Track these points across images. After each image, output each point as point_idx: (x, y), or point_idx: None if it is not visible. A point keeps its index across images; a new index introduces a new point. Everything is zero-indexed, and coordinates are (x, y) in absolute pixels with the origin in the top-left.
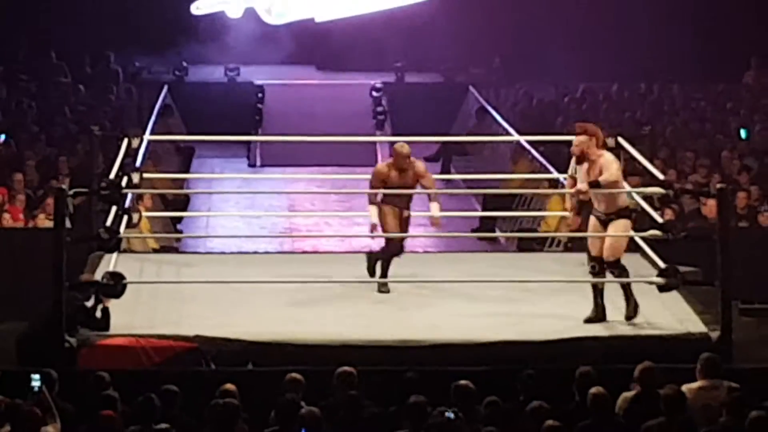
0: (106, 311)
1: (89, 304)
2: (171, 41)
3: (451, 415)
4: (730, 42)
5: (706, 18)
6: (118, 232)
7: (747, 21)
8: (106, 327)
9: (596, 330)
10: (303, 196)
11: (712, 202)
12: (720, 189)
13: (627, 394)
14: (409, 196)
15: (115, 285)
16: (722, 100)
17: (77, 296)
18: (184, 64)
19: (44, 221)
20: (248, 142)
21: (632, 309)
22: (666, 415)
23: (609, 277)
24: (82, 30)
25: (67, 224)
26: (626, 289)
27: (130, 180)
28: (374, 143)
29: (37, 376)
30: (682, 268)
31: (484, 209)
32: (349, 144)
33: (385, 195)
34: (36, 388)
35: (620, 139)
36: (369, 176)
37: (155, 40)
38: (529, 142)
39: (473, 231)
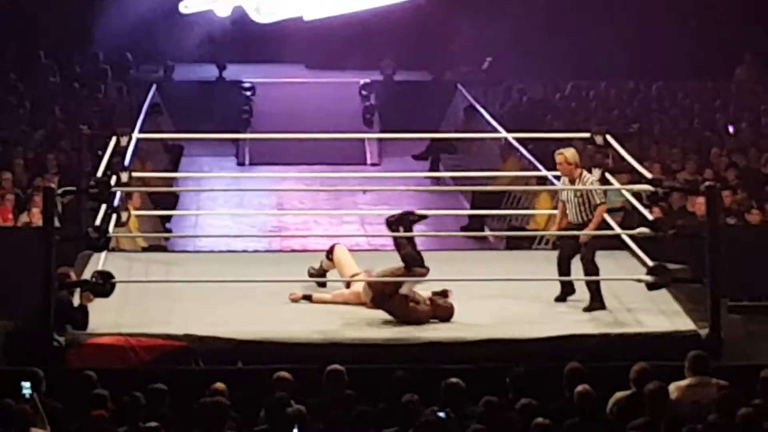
0: (84, 309)
1: (75, 302)
2: (159, 40)
3: (443, 415)
4: (719, 40)
5: (695, 16)
6: (107, 231)
7: (737, 19)
8: (85, 325)
9: (585, 328)
10: (292, 194)
11: (700, 200)
12: (708, 186)
13: (620, 394)
14: None
15: (104, 284)
16: (710, 97)
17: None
18: (171, 63)
19: (33, 219)
20: (237, 141)
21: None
22: (650, 411)
23: None
24: (70, 29)
25: (56, 223)
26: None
27: (118, 179)
28: (363, 141)
29: (27, 384)
30: (670, 266)
31: (473, 207)
32: (338, 142)
33: None
34: (27, 395)
35: (608, 137)
36: (357, 174)
37: (144, 39)
38: (518, 140)
39: (462, 229)
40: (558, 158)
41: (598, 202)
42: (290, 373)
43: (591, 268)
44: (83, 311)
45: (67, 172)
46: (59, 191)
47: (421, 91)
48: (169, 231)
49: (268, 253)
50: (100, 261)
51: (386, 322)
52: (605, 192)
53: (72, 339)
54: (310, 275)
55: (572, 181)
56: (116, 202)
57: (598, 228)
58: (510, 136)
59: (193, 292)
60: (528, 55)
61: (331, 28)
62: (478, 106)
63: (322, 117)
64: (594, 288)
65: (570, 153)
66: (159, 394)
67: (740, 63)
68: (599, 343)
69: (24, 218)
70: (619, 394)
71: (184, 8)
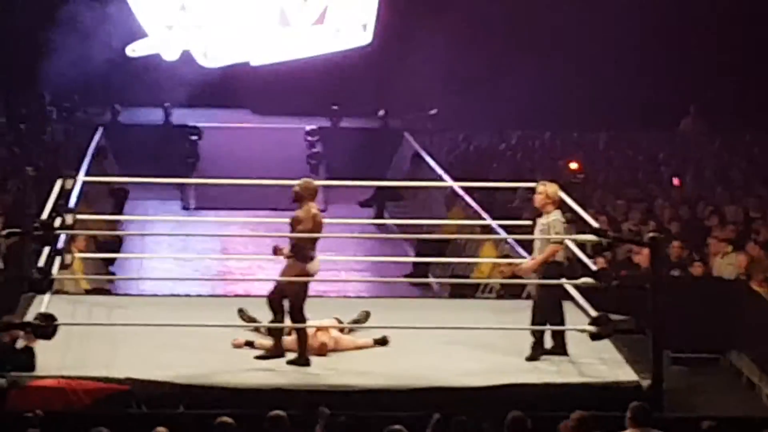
0: (30, 351)
1: (19, 344)
2: (106, 83)
3: None
4: (664, 91)
5: (641, 68)
6: (51, 273)
7: (682, 71)
8: (32, 367)
9: (528, 377)
10: (236, 239)
11: (644, 251)
12: (653, 237)
13: None
14: None
15: (47, 326)
16: (655, 148)
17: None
18: (117, 106)
19: None
20: (182, 185)
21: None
22: None
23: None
24: (17, 69)
25: (0, 265)
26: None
27: (63, 221)
28: None
29: None
30: (613, 317)
31: (417, 255)
32: (284, 188)
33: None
34: None
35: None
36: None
37: (91, 81)
38: (463, 189)
39: (406, 276)
40: (539, 188)
41: (552, 241)
42: (232, 419)
43: (542, 317)
44: (29, 353)
45: (12, 214)
46: (4, 233)
47: (367, 137)
48: (113, 274)
49: (212, 298)
50: (43, 303)
51: (328, 369)
52: (563, 234)
53: (13, 380)
54: (242, 319)
55: (541, 215)
56: (60, 245)
57: (546, 276)
58: (456, 185)
59: (136, 335)
60: (474, 103)
61: (278, 74)
62: (424, 154)
63: (267, 162)
64: (538, 336)
65: (552, 189)
66: None
67: (685, 115)
68: (542, 392)
69: None
70: None
71: (131, 51)
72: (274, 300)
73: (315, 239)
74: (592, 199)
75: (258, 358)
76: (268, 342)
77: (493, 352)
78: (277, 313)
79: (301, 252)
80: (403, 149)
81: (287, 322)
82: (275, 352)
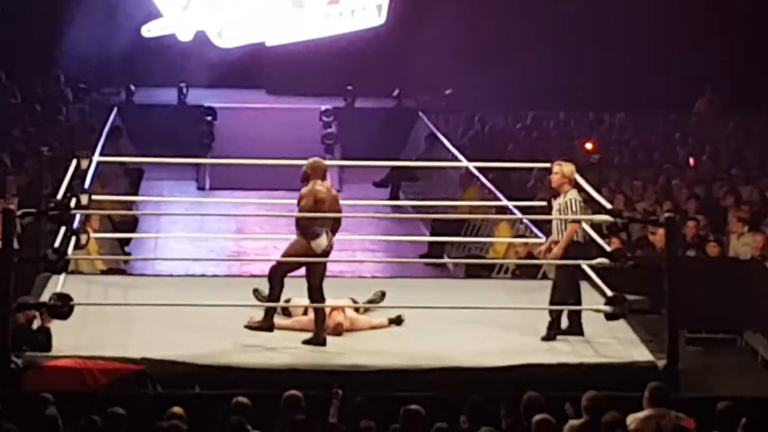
0: (47, 331)
1: (35, 325)
2: (121, 63)
3: None
4: (680, 72)
5: (656, 49)
6: (66, 254)
7: (697, 52)
8: (48, 347)
9: (544, 357)
10: (251, 219)
11: (660, 231)
12: (668, 218)
13: (574, 422)
14: None
15: (63, 306)
16: (671, 129)
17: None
18: (132, 86)
19: None
20: (197, 165)
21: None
22: None
23: None
24: (32, 51)
25: (15, 245)
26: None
27: (78, 201)
28: None
29: None
30: (629, 297)
31: (432, 235)
32: (298, 168)
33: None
34: None
35: None
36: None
37: (106, 62)
38: (478, 169)
39: (421, 257)
40: (555, 168)
41: (571, 219)
42: (248, 399)
43: (561, 296)
44: (45, 333)
45: (28, 194)
46: (19, 213)
47: (382, 117)
48: (128, 254)
49: (228, 278)
50: (58, 283)
51: (344, 349)
52: (580, 212)
53: (29, 361)
54: (257, 299)
55: (558, 195)
56: (76, 225)
57: (566, 255)
58: (471, 165)
59: (152, 315)
60: (489, 83)
61: (292, 54)
62: (439, 134)
63: (282, 142)
64: (554, 316)
65: (568, 169)
66: (116, 418)
67: (700, 96)
68: (557, 372)
69: None
70: (572, 422)
71: (146, 32)
72: (274, 274)
73: (323, 217)
74: (608, 179)
75: (247, 327)
76: (284, 321)
77: (509, 332)
78: (275, 288)
79: (303, 229)
80: (418, 129)
81: (285, 296)
82: (263, 325)
